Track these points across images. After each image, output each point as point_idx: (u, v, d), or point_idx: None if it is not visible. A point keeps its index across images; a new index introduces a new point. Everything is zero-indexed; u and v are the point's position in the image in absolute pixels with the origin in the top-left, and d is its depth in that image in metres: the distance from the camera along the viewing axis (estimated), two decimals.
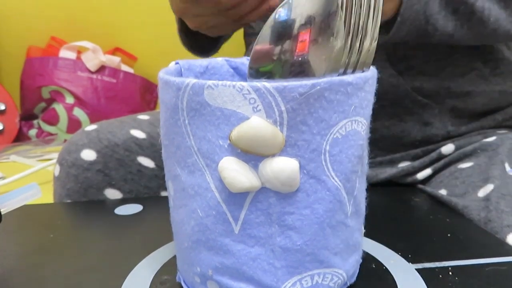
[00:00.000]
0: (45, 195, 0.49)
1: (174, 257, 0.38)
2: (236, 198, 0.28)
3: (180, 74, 0.35)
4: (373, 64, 0.32)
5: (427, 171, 0.57)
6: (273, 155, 0.27)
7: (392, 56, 0.54)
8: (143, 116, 0.63)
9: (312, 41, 0.28)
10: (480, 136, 0.58)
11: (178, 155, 0.29)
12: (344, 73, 0.29)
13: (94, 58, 1.45)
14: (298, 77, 0.29)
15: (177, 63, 0.35)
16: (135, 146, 0.57)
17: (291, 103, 0.26)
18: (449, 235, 0.42)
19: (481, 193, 0.48)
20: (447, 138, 0.58)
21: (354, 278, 0.33)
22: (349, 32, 0.28)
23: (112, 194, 0.56)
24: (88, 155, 0.55)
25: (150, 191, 0.57)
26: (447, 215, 0.47)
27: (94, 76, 1.45)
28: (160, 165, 0.58)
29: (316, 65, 0.28)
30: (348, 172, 0.28)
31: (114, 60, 1.48)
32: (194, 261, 0.30)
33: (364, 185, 0.33)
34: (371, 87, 0.30)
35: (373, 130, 0.33)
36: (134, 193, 0.57)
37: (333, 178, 0.28)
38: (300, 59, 0.29)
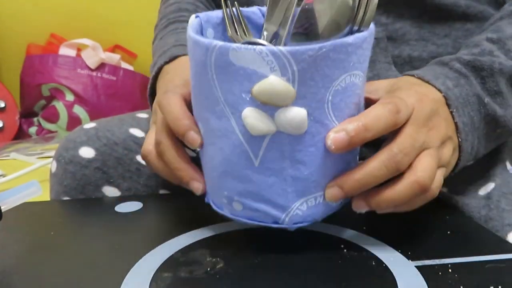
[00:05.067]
0: (45, 193, 0.49)
1: (174, 254, 0.38)
2: (256, 139, 0.34)
3: (201, 26, 0.40)
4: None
5: None
6: (286, 106, 0.33)
7: (396, 58, 0.54)
8: (142, 114, 0.63)
9: None
10: None
11: (207, 103, 0.35)
12: (352, 28, 0.35)
13: (94, 55, 1.45)
14: (304, 29, 0.35)
15: (197, 16, 0.40)
16: (134, 145, 0.57)
17: (302, 63, 0.31)
18: (448, 232, 0.42)
19: (482, 191, 0.48)
20: None
21: (348, 200, 0.38)
22: None
23: (110, 191, 0.56)
24: (86, 152, 0.55)
25: (149, 189, 0.57)
26: (447, 212, 0.47)
27: (94, 73, 1.45)
28: None
29: (320, 17, 0.35)
30: (346, 117, 0.35)
31: (114, 58, 1.48)
32: (222, 187, 0.37)
33: None
34: (368, 45, 0.35)
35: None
36: (133, 191, 0.56)
37: (334, 122, 0.34)
38: (306, 6, 0.35)
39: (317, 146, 0.34)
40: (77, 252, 0.40)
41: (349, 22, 0.34)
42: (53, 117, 1.46)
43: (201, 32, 0.40)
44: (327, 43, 0.31)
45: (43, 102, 1.49)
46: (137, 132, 0.58)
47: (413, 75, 0.42)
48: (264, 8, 0.43)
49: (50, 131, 1.47)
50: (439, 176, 0.38)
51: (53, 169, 0.57)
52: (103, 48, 1.48)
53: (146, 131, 0.58)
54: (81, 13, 1.51)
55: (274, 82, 0.32)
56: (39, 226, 0.47)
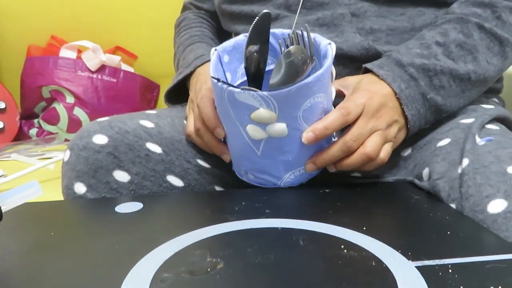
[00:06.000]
0: (46, 193, 0.49)
1: (175, 255, 0.39)
2: (256, 141, 0.53)
3: (219, 56, 0.58)
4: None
5: (408, 151, 0.63)
6: (273, 123, 0.51)
7: (360, 30, 0.65)
8: (151, 111, 0.68)
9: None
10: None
11: (225, 117, 0.55)
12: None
13: (94, 57, 1.45)
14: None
15: (215, 49, 0.58)
16: (144, 133, 0.61)
17: (279, 100, 0.49)
18: (448, 232, 0.42)
19: (460, 169, 0.51)
20: None
21: (320, 170, 0.58)
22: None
23: (121, 176, 0.58)
24: (100, 139, 0.58)
25: (156, 174, 0.59)
26: (447, 212, 0.47)
27: (94, 75, 1.45)
28: (166, 151, 0.61)
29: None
30: (313, 121, 0.53)
31: (114, 59, 1.48)
32: (240, 164, 0.59)
33: None
34: (325, 77, 0.51)
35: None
36: (141, 175, 0.59)
37: (305, 126, 0.52)
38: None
39: (296, 142, 0.53)
40: (77, 252, 0.40)
41: (309, 64, 0.52)
42: (54, 119, 1.46)
43: (220, 59, 0.58)
44: (294, 86, 0.48)
45: (43, 103, 1.48)
46: (147, 123, 0.63)
47: (378, 76, 0.58)
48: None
49: (51, 133, 1.46)
50: (388, 147, 0.56)
51: (66, 158, 0.59)
52: (103, 49, 1.48)
53: (155, 123, 0.64)
54: (81, 15, 1.50)
55: (262, 112, 0.50)
56: (39, 227, 0.47)
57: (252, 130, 0.52)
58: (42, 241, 0.43)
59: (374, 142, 0.54)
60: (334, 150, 0.54)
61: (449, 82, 0.59)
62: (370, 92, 0.56)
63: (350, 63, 0.64)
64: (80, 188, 0.57)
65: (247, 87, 0.52)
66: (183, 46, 0.80)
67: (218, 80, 0.51)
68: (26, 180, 0.60)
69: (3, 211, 0.38)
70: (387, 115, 0.56)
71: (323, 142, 0.55)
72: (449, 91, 0.59)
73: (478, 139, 0.53)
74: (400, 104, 0.57)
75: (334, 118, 0.53)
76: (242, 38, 0.59)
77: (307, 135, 0.52)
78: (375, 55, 0.63)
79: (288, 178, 0.56)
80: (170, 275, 0.35)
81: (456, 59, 0.59)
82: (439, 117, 0.61)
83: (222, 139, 0.59)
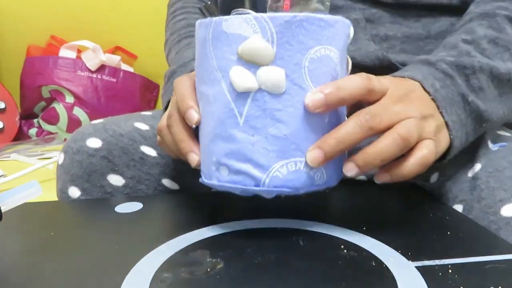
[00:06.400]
0: (45, 193, 0.49)
1: (174, 255, 0.38)
2: (241, 97, 0.38)
3: None
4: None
5: None
6: (267, 65, 0.38)
7: (374, 36, 0.60)
8: (146, 112, 0.67)
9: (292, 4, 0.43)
10: None
11: (205, 75, 0.41)
12: None
13: (94, 57, 1.45)
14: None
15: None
16: (138, 136, 0.60)
17: (279, 27, 0.37)
18: (448, 233, 0.42)
19: (471, 173, 0.50)
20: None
21: (335, 183, 0.42)
22: None
23: (115, 179, 0.57)
24: (93, 142, 0.57)
25: (151, 178, 0.59)
26: (447, 213, 0.47)
27: (94, 75, 1.46)
28: (161, 154, 0.60)
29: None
30: (322, 84, 0.39)
31: (114, 59, 1.48)
32: (211, 152, 0.41)
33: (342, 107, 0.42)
34: (342, 28, 0.40)
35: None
36: (136, 179, 0.58)
37: (311, 87, 0.38)
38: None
39: (295, 107, 0.38)
40: (77, 252, 0.40)
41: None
42: (53, 119, 1.46)
43: None
44: (301, 14, 0.37)
45: (43, 103, 1.49)
46: (141, 126, 0.61)
47: (403, 77, 0.45)
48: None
49: (50, 133, 1.47)
50: (430, 144, 0.41)
51: (60, 161, 0.59)
52: (103, 49, 1.48)
53: (150, 125, 0.62)
54: (81, 15, 1.51)
55: (256, 41, 0.37)
56: (39, 227, 0.47)
57: (238, 75, 0.38)
58: (42, 241, 0.43)
59: (408, 123, 0.40)
60: (349, 126, 0.39)
61: (488, 83, 0.48)
62: (395, 78, 0.44)
63: (361, 72, 0.57)
64: (74, 192, 0.57)
65: (239, 10, 0.43)
66: (178, 36, 0.70)
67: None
68: (25, 180, 0.60)
69: (3, 211, 0.38)
70: (419, 101, 0.43)
71: (329, 128, 0.39)
72: (487, 94, 0.48)
73: (491, 145, 0.52)
74: (437, 108, 0.44)
75: (351, 79, 0.39)
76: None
77: (313, 96, 0.38)
78: (389, 66, 0.59)
79: (278, 171, 0.39)
80: (170, 275, 0.35)
81: (491, 57, 0.49)
82: (479, 131, 0.48)
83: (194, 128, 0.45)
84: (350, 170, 0.40)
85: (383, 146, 0.39)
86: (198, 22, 0.41)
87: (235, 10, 0.43)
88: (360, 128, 0.38)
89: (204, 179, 0.43)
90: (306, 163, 0.39)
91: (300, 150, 0.39)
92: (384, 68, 0.59)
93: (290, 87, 0.38)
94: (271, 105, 0.38)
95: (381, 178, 0.42)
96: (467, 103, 0.46)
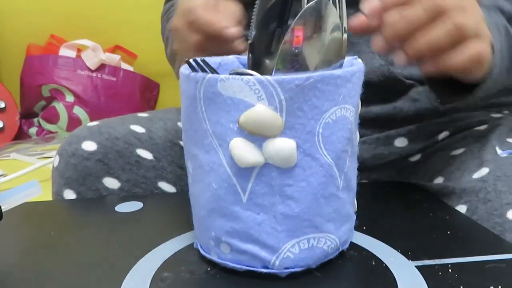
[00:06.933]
0: (45, 193, 0.49)
1: (175, 254, 0.39)
2: (244, 172, 0.33)
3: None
4: (361, 57, 0.40)
5: (418, 156, 0.60)
6: (275, 136, 0.32)
7: None
8: (143, 114, 0.66)
9: (306, 37, 0.34)
10: (469, 118, 0.60)
11: (196, 138, 0.35)
12: (342, 62, 0.36)
13: (94, 56, 1.44)
14: (295, 69, 0.34)
15: (194, 60, 0.37)
16: (134, 139, 0.59)
17: (289, 92, 0.31)
18: (448, 232, 0.42)
19: (476, 175, 0.50)
20: (437, 113, 0.60)
21: (347, 245, 0.38)
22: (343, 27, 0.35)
23: (110, 183, 0.57)
24: (89, 146, 0.57)
25: (147, 181, 0.58)
26: (447, 212, 0.47)
27: (94, 74, 1.45)
28: (157, 157, 0.60)
29: (310, 58, 0.35)
30: (338, 151, 0.34)
31: (114, 58, 1.48)
32: (209, 227, 0.36)
33: (354, 164, 0.37)
34: (358, 80, 0.35)
35: (367, 111, 0.38)
36: (132, 182, 0.58)
37: (326, 156, 0.33)
38: (296, 51, 0.34)
39: (308, 181, 0.33)
40: (77, 252, 0.40)
41: (338, 57, 0.36)
42: (53, 118, 1.46)
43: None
44: (315, 74, 0.31)
45: (43, 102, 1.48)
46: (137, 128, 0.61)
47: None
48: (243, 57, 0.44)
49: (50, 132, 1.46)
50: (485, 43, 0.40)
51: (56, 164, 0.58)
52: (103, 48, 1.48)
53: (146, 128, 0.61)
54: (81, 14, 1.50)
55: (261, 111, 0.31)
56: (39, 226, 0.47)
57: (239, 148, 0.32)
58: (42, 240, 0.43)
59: (466, 15, 0.39)
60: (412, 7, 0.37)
61: None
62: None
63: (366, 87, 0.55)
64: (69, 195, 0.56)
65: (238, 70, 0.38)
66: (166, 17, 0.68)
67: (192, 68, 0.36)
68: (26, 179, 0.60)
69: (3, 210, 0.38)
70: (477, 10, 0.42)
71: (345, 196, 0.36)
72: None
73: (499, 151, 0.52)
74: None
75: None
76: (232, 58, 0.43)
77: (370, 2, 0.37)
78: (395, 82, 0.58)
79: (290, 251, 0.34)
80: (170, 275, 0.35)
81: None
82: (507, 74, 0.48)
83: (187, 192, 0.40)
84: (399, 59, 0.40)
85: (435, 35, 0.37)
86: (184, 73, 0.35)
87: (233, 69, 0.38)
88: (425, 11, 0.37)
89: (201, 251, 0.38)
90: (319, 239, 0.35)
91: (314, 227, 0.34)
92: (389, 84, 0.58)
93: (301, 158, 0.32)
94: (280, 181, 0.33)
95: (427, 68, 0.40)
96: (509, 36, 0.46)
